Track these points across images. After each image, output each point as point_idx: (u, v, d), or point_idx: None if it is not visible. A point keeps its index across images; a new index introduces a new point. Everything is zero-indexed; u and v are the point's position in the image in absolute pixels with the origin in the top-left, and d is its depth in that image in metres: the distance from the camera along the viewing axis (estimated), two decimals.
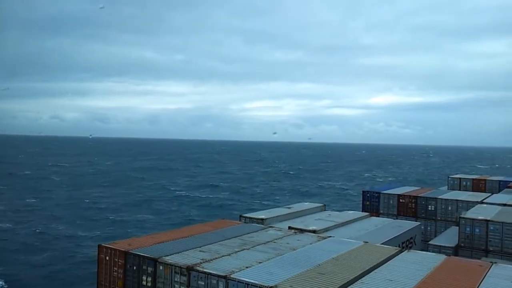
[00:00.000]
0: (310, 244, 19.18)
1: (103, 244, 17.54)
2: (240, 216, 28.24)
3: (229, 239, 19.21)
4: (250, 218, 27.50)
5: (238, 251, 17.19)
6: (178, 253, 16.48)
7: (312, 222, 26.64)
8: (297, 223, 26.20)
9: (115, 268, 16.84)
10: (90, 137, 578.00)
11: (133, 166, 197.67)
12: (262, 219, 26.90)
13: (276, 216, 28.31)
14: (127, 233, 60.55)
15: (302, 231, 22.55)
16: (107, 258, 17.09)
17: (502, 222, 27.56)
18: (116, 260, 16.83)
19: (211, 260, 15.67)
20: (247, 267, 14.90)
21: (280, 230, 22.04)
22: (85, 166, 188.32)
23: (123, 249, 16.80)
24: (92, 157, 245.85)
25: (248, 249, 17.61)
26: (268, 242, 19.07)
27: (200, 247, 17.46)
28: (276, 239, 19.78)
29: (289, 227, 23.81)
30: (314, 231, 23.29)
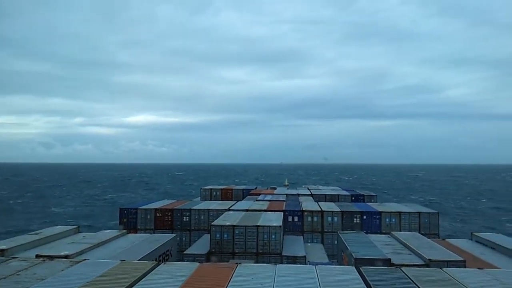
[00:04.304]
0: (62, 271, 17.65)
1: None
2: None
3: None
4: None
5: None
6: None
7: (64, 247, 24.70)
8: (47, 250, 23.88)
9: None
10: None
11: None
12: (1, 250, 23.36)
13: (21, 245, 24.98)
14: None
15: (52, 258, 20.57)
16: None
17: (245, 226, 31.28)
18: None
19: None
20: None
21: (26, 260, 19.55)
22: None
23: None
24: None
25: None
26: (10, 275, 16.67)
27: None
28: (20, 270, 17.47)
29: (37, 255, 21.43)
30: (66, 256, 21.58)
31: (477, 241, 29.79)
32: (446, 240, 30.73)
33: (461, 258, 23.19)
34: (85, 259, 20.19)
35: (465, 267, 21.40)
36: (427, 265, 22.10)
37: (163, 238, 29.66)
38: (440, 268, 19.29)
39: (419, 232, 35.66)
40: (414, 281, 16.77)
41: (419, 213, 40.13)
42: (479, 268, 19.48)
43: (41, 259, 20.12)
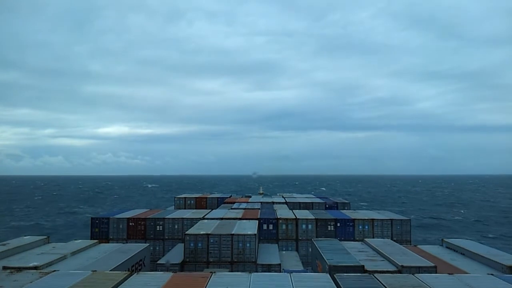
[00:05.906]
0: (31, 283, 17.17)
1: None
2: None
3: None
4: None
5: None
6: None
7: (34, 258, 24.06)
8: (15, 261, 23.19)
9: None
10: None
11: None
12: None
13: None
14: None
15: (20, 269, 19.96)
16: None
17: (220, 235, 31.12)
18: None
19: None
20: None
21: None
22: None
23: None
24: None
25: None
26: None
27: None
28: None
29: (4, 267, 20.76)
30: (35, 268, 20.99)
31: (447, 247, 30.47)
32: (418, 246, 31.30)
33: (432, 264, 23.67)
34: (55, 270, 19.69)
35: (436, 273, 21.87)
36: (399, 271, 22.46)
37: (135, 247, 29.17)
38: (412, 274, 19.67)
39: (392, 239, 36.24)
40: (387, 287, 17.06)
41: (391, 220, 40.76)
42: (449, 274, 19.98)
43: (8, 271, 19.52)
